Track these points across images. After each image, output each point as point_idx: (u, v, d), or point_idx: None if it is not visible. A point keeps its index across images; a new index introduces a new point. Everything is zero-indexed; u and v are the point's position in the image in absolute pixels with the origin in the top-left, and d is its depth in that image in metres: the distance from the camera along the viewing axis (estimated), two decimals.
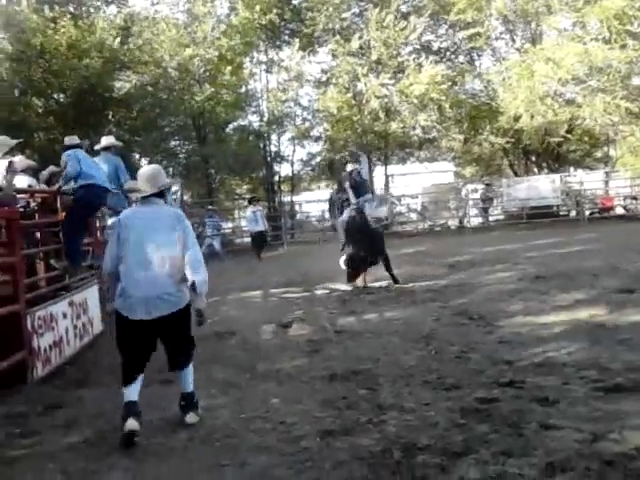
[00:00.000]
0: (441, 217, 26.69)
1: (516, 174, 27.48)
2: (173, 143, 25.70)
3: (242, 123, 26.35)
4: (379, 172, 27.19)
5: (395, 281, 10.20)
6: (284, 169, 27.41)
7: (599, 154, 29.81)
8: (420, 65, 23.18)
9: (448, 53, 26.44)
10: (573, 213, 24.74)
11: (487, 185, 25.65)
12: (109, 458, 3.80)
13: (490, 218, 25.16)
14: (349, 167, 11.11)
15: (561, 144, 25.45)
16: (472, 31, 23.42)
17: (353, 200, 10.52)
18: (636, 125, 24.03)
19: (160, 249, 4.06)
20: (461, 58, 26.66)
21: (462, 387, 4.56)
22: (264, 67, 25.59)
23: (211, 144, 24.02)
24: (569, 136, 24.66)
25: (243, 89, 25.30)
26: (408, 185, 28.49)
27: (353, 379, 5.01)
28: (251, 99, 25.67)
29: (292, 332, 7.22)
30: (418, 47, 25.31)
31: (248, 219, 17.04)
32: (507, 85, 23.45)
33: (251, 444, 3.83)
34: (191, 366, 4.38)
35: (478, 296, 8.50)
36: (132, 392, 4.10)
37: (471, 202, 25.57)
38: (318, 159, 27.43)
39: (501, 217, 25.40)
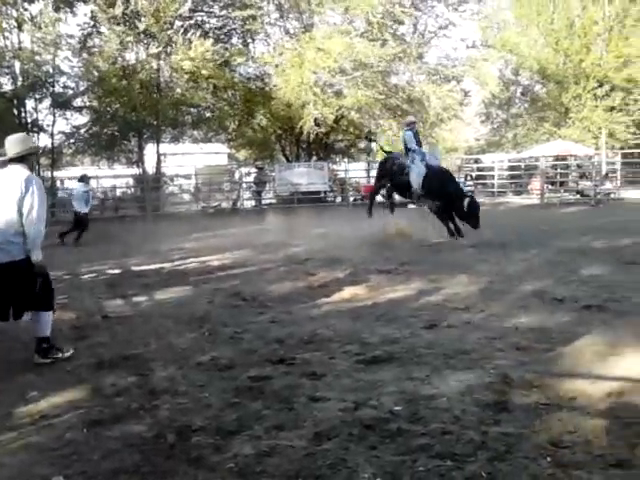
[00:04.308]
0: (214, 199, 26.75)
1: (288, 160, 28.52)
2: None
3: None
4: (150, 150, 26.32)
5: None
6: (43, 140, 25.08)
7: (362, 145, 32.22)
8: (190, 41, 22.80)
9: (222, 35, 26.34)
10: (339, 199, 26.46)
11: (259, 169, 26.29)
12: None
13: (263, 202, 25.83)
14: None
15: (329, 134, 27.03)
16: (247, 12, 23.73)
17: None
18: (393, 120, 26.43)
19: (3, 206, 4.76)
20: (235, 40, 26.80)
21: (236, 367, 4.63)
22: (14, 23, 22.86)
23: None
24: (335, 126, 26.28)
25: None
26: (181, 165, 28.04)
27: (123, 365, 4.80)
28: (1, 58, 22.87)
29: (54, 318, 6.67)
30: (191, 23, 24.83)
31: (76, 198, 15.02)
32: (280, 71, 24.19)
33: (6, 443, 3.47)
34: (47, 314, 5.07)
35: (250, 278, 8.68)
36: None
37: (244, 185, 26.00)
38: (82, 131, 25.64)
39: (274, 201, 26.20)
